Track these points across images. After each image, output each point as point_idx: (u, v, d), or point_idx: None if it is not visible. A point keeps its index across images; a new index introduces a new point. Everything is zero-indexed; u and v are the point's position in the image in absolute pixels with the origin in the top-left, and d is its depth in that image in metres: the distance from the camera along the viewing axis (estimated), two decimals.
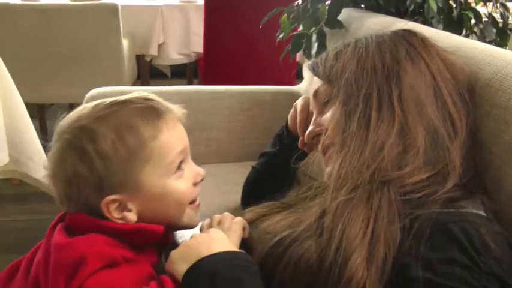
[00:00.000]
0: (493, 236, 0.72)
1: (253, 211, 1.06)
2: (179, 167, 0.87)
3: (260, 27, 1.90)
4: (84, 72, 2.91)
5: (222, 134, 1.88)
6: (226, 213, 1.00)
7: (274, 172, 1.32)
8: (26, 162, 1.86)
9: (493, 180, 0.89)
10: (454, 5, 1.57)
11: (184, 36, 3.50)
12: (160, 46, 3.47)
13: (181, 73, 3.95)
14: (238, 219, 0.99)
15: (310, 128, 1.02)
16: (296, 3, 1.80)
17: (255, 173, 1.40)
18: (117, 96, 1.62)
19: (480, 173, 0.90)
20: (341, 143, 0.88)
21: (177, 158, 0.86)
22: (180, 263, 0.78)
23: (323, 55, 1.02)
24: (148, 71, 3.74)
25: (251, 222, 1.01)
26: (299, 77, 2.60)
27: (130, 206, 0.83)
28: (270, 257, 0.85)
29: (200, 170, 0.92)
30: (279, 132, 1.34)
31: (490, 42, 1.58)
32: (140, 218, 0.84)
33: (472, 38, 1.65)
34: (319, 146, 1.00)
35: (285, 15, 1.85)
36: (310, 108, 1.07)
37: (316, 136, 1.01)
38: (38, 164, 1.84)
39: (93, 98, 1.74)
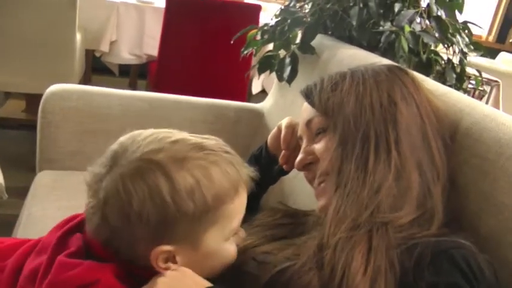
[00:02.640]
0: (486, 264, 0.79)
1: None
2: (236, 232, 0.86)
3: (232, 42, 1.93)
4: (36, 62, 2.84)
5: None
6: None
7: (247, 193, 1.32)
8: None
9: (470, 224, 0.94)
10: (423, 49, 1.64)
11: (137, 36, 3.46)
12: (112, 43, 3.42)
13: (124, 72, 3.90)
14: None
15: (301, 155, 1.02)
16: (270, 24, 1.83)
17: None
18: (78, 94, 1.59)
19: (457, 216, 0.95)
20: (338, 181, 0.90)
21: (239, 224, 0.85)
22: None
23: (317, 84, 1.02)
24: (90, 66, 3.71)
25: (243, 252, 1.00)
26: None
27: (178, 258, 0.79)
28: (273, 285, 0.86)
29: (243, 234, 0.90)
30: (257, 153, 1.31)
31: (450, 86, 1.66)
32: None
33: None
34: (309, 175, 1.03)
35: (254, 32, 1.89)
36: (300, 133, 1.07)
37: (306, 165, 1.02)
38: None
39: (53, 94, 1.73)
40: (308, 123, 1.02)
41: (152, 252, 0.76)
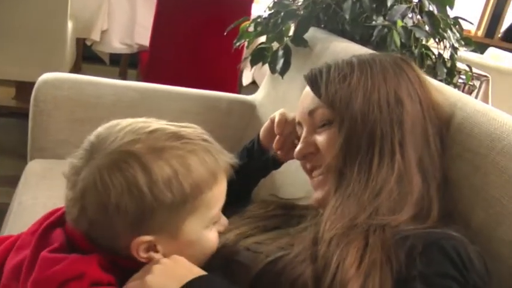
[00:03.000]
0: (476, 254, 0.80)
1: (232, 231, 1.03)
2: (216, 220, 0.86)
3: (225, 33, 1.93)
4: (27, 50, 2.81)
5: None
6: None
7: (237, 184, 1.31)
8: None
9: (462, 217, 0.95)
10: (415, 44, 1.66)
11: (129, 26, 3.45)
12: (103, 32, 3.40)
13: (114, 61, 3.87)
14: None
15: (302, 145, 1.01)
16: (263, 16, 1.84)
17: None
18: (70, 83, 1.57)
19: (450, 210, 0.96)
20: (339, 182, 0.91)
21: (219, 212, 0.85)
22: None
23: (324, 71, 1.00)
24: (81, 55, 3.69)
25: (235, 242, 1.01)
26: None
27: (159, 247, 0.79)
28: (265, 275, 0.86)
29: (225, 221, 0.90)
30: (249, 146, 1.30)
31: (440, 81, 1.68)
32: None
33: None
34: (307, 164, 1.03)
35: (246, 24, 1.89)
36: (299, 119, 1.05)
37: (306, 154, 1.01)
38: None
39: (45, 83, 1.72)
40: (311, 112, 1.00)
41: (132, 242, 0.77)
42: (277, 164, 1.26)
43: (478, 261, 0.79)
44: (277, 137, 1.16)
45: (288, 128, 1.15)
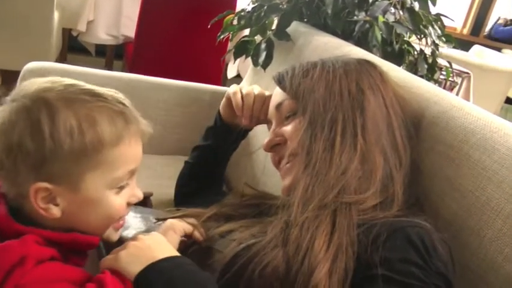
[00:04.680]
0: (441, 242, 0.83)
1: (212, 225, 1.07)
2: (123, 184, 0.84)
3: (209, 26, 1.94)
4: (13, 39, 2.82)
5: (157, 126, 1.88)
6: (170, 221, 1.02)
7: (208, 165, 1.36)
8: None
9: (432, 207, 0.98)
10: (396, 39, 1.68)
11: (115, 17, 3.46)
12: (89, 23, 3.41)
13: (100, 52, 3.88)
14: (177, 225, 1.01)
15: (270, 137, 1.06)
16: (247, 9, 1.85)
17: (189, 167, 1.40)
18: (56, 73, 1.58)
19: (420, 200, 0.99)
20: (306, 161, 0.94)
21: (125, 175, 0.83)
22: (131, 264, 0.78)
23: (289, 70, 1.07)
24: (67, 45, 3.70)
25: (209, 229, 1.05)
26: None
27: (59, 200, 0.78)
28: (238, 261, 0.88)
29: (138, 193, 0.88)
30: (211, 125, 1.35)
31: (421, 76, 1.71)
32: (62, 216, 0.79)
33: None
34: (275, 156, 1.07)
35: (231, 17, 1.91)
36: (269, 116, 1.11)
37: (274, 146, 1.06)
38: None
39: (31, 72, 1.72)
40: (278, 106, 1.06)
41: (31, 188, 0.76)
42: (244, 134, 1.33)
43: (442, 248, 0.81)
44: (246, 114, 1.22)
45: (246, 102, 1.21)
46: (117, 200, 0.83)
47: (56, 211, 0.78)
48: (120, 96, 0.84)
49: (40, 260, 0.73)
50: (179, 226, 1.00)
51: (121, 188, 0.83)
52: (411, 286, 0.76)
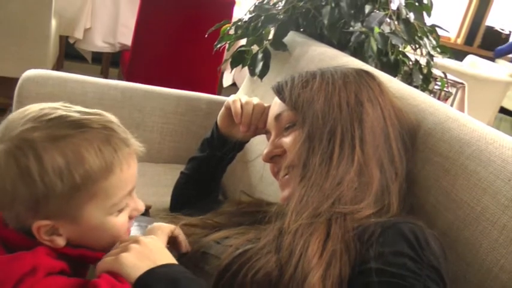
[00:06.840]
0: (433, 237, 0.84)
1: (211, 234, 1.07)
2: (123, 207, 0.85)
3: (206, 36, 1.95)
4: (10, 46, 2.81)
5: (154, 134, 1.90)
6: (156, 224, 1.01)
7: (204, 176, 1.36)
8: None
9: (427, 218, 0.98)
10: (392, 50, 1.69)
11: (111, 25, 3.45)
12: (86, 31, 3.41)
13: (96, 59, 3.88)
14: (164, 225, 1.00)
15: (269, 148, 1.07)
16: (244, 19, 1.86)
17: (185, 178, 1.39)
18: (53, 81, 1.56)
19: (416, 210, 1.00)
20: (303, 173, 0.95)
21: (123, 199, 0.83)
22: (133, 267, 0.78)
23: (288, 81, 1.07)
24: (63, 52, 3.70)
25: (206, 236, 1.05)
26: None
27: (61, 231, 0.79)
28: (233, 266, 0.89)
29: (140, 206, 0.89)
30: (208, 136, 1.34)
31: (416, 87, 1.72)
32: (69, 241, 0.81)
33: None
34: (275, 167, 1.07)
35: (227, 26, 1.92)
36: (268, 127, 1.12)
37: (273, 157, 1.07)
38: None
39: (29, 79, 1.73)
40: (277, 117, 1.07)
41: (33, 226, 0.77)
42: (241, 146, 1.32)
43: (434, 243, 0.83)
44: (244, 123, 1.21)
45: (246, 110, 1.21)
46: (119, 221, 0.84)
47: (60, 241, 0.79)
48: (105, 118, 0.84)
49: (50, 272, 0.74)
50: (166, 227, 0.99)
51: (121, 210, 0.84)
52: (404, 277, 0.77)
